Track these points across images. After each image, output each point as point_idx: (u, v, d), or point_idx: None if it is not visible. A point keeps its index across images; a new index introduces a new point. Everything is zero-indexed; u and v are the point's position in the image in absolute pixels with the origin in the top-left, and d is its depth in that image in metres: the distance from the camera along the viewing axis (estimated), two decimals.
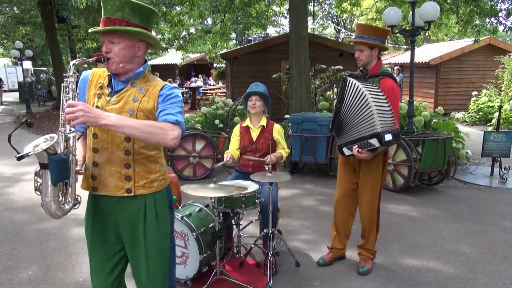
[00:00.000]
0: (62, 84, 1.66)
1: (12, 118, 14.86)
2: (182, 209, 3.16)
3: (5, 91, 28.98)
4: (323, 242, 3.70)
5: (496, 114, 7.86)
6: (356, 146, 2.87)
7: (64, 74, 1.67)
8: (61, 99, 1.64)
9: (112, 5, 1.72)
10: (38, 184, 1.64)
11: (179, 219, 2.92)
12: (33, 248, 3.80)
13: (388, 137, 2.75)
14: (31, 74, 25.79)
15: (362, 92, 2.80)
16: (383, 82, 2.98)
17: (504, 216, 4.54)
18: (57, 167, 1.58)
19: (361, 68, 3.08)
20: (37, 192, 1.65)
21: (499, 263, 3.43)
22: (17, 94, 22.93)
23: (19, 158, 1.53)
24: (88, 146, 1.84)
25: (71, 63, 1.68)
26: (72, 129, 1.63)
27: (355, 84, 2.87)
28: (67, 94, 1.65)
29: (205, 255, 2.92)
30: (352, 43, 3.13)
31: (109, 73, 1.84)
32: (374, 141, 2.78)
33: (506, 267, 3.36)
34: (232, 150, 3.49)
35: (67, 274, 3.29)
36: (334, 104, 3.07)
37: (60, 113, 1.62)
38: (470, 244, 3.82)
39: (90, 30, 1.83)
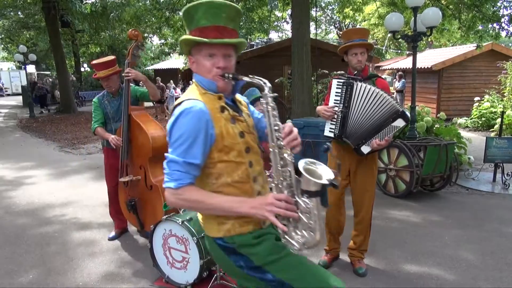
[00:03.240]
0: (263, 109, 1.54)
1: (15, 121, 14.94)
2: (183, 213, 3.15)
3: (8, 94, 29.22)
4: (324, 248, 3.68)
5: (499, 119, 7.84)
6: (377, 138, 2.89)
7: (261, 100, 1.57)
8: (270, 124, 1.53)
9: (229, 14, 1.55)
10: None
11: (180, 223, 2.93)
12: (34, 252, 3.80)
13: (408, 113, 2.87)
14: (35, 78, 25.95)
15: (372, 89, 2.89)
16: (378, 82, 3.09)
17: (507, 222, 4.51)
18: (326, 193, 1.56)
19: (355, 72, 3.14)
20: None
21: (501, 270, 3.41)
22: (20, 98, 23.04)
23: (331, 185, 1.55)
24: (247, 176, 1.69)
25: (267, 86, 1.52)
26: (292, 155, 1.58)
27: (363, 86, 2.93)
28: (275, 118, 1.53)
29: (206, 260, 2.91)
30: (350, 47, 3.15)
31: (221, 93, 1.62)
32: (399, 122, 2.86)
33: (508, 274, 3.34)
34: None
35: (67, 278, 3.28)
36: (332, 111, 3.08)
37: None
38: (472, 250, 3.80)
39: (215, 41, 1.52)
